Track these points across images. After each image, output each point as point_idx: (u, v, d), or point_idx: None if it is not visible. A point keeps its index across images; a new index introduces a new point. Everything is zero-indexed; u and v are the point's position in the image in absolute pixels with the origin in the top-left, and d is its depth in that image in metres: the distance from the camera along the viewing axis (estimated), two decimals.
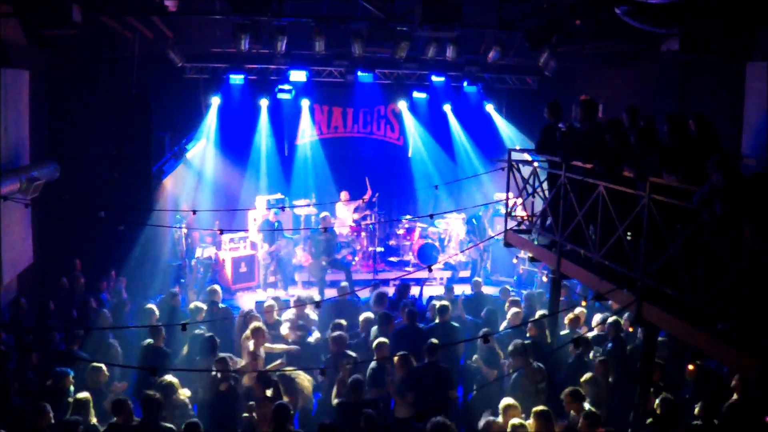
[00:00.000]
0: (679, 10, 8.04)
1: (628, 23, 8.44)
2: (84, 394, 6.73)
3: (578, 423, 6.32)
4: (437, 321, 8.74)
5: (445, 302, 9.18)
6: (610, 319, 8.46)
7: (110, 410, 6.52)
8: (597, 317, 8.92)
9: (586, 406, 6.65)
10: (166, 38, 11.52)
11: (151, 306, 9.28)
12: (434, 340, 7.68)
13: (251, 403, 6.98)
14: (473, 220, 14.12)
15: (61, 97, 12.03)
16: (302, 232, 13.73)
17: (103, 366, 7.33)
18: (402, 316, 8.88)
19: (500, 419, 6.47)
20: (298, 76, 13.50)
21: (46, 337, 8.54)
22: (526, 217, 8.91)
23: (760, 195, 4.87)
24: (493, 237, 12.44)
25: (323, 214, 12.90)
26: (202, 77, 13.75)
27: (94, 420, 6.62)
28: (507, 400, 6.60)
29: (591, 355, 8.15)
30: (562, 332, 8.66)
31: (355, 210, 13.93)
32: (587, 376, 7.14)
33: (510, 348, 7.58)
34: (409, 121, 15.46)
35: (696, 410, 6.61)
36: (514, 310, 9.09)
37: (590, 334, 8.55)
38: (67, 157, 11.39)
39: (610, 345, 7.92)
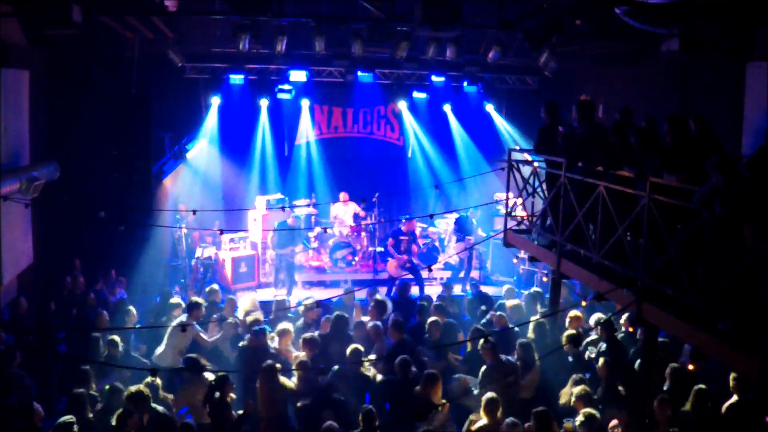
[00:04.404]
0: (679, 10, 8.04)
1: (628, 23, 8.44)
2: (81, 390, 6.76)
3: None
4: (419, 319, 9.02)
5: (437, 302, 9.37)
6: (592, 319, 8.47)
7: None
8: (593, 318, 8.90)
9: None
10: (166, 38, 11.52)
11: (130, 307, 9.29)
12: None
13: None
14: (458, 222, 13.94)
15: (61, 97, 12.02)
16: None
17: (88, 367, 7.33)
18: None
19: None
20: (298, 76, 13.49)
21: (47, 337, 8.54)
22: (526, 217, 8.91)
23: (760, 195, 4.87)
24: (489, 237, 12.40)
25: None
26: (202, 77, 13.74)
27: (89, 415, 6.65)
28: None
29: (587, 355, 8.15)
30: (566, 332, 8.65)
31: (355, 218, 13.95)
32: (576, 377, 7.19)
33: (480, 343, 7.59)
34: (409, 121, 15.45)
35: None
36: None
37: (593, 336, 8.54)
38: (67, 157, 11.38)
39: (604, 346, 7.92)
